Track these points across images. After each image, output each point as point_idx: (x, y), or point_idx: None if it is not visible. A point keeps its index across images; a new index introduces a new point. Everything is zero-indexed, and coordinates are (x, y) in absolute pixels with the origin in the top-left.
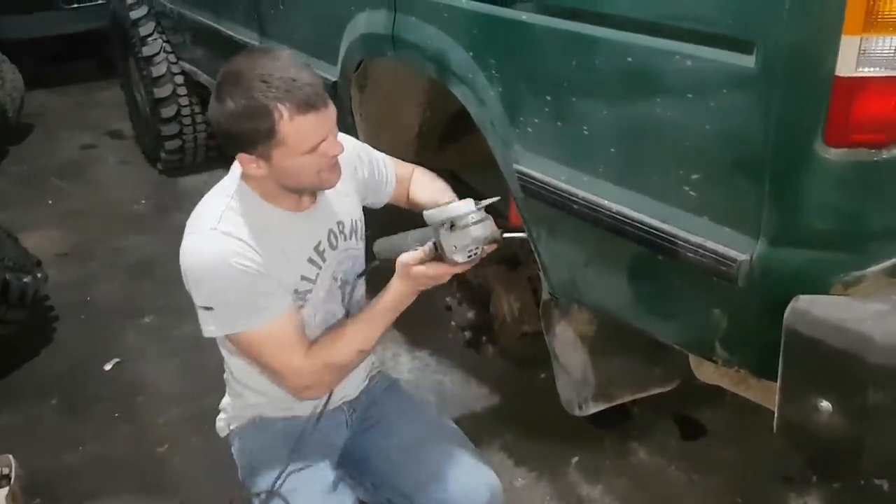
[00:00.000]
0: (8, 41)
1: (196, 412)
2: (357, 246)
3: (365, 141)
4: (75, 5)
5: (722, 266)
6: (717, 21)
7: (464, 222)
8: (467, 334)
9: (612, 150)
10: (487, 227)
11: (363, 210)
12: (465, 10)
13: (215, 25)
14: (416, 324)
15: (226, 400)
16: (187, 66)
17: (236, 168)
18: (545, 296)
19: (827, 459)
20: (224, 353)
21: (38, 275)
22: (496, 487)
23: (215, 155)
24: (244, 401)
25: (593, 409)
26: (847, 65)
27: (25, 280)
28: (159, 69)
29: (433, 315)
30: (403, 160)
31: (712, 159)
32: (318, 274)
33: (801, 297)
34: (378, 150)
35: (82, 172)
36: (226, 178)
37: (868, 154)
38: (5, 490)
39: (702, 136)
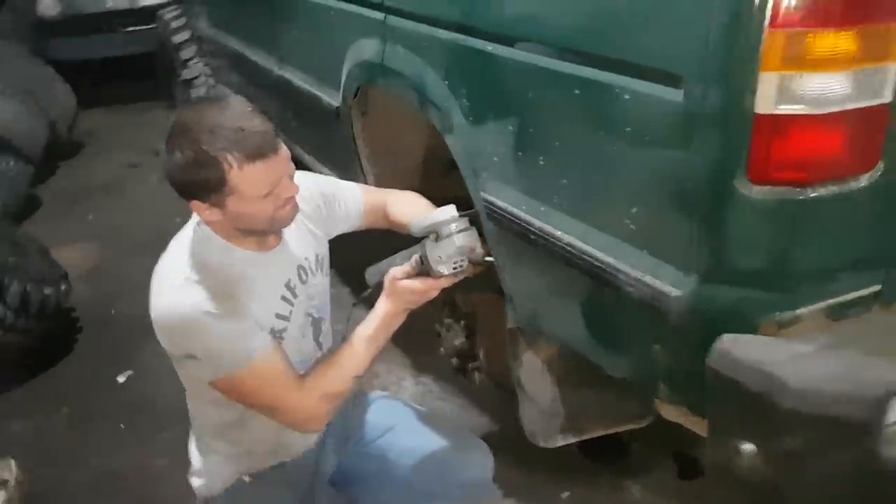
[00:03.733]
0: (64, 62)
1: None
2: (323, 281)
3: (367, 167)
4: (129, 28)
5: (657, 302)
6: (650, 54)
7: (447, 231)
8: (454, 361)
9: (564, 181)
10: (471, 237)
11: (330, 244)
12: (442, 39)
13: (244, 52)
14: (422, 350)
15: (196, 464)
16: (224, 91)
17: (195, 217)
18: (510, 324)
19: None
20: (197, 408)
21: (62, 287)
22: (486, 449)
23: None
24: (222, 457)
25: (560, 441)
26: (766, 101)
27: (47, 292)
28: (198, 92)
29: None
30: (407, 187)
31: (649, 193)
32: (291, 311)
33: (725, 336)
34: (381, 176)
35: (124, 190)
36: (185, 227)
37: (792, 192)
38: (2, 497)
39: (640, 170)
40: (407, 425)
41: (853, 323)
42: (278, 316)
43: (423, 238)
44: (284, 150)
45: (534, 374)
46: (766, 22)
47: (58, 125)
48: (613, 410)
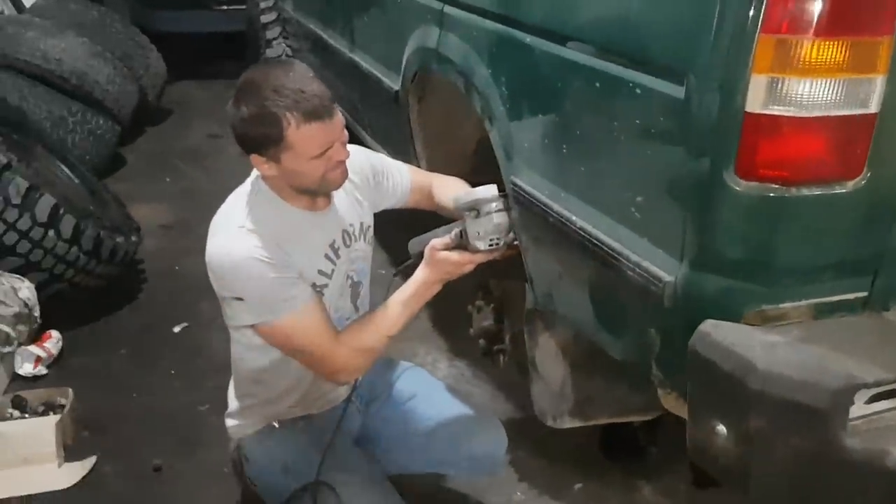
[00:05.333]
0: (160, 33)
1: None
2: (365, 248)
3: (421, 151)
4: (224, 7)
5: (652, 286)
6: (660, 51)
7: (487, 209)
8: (481, 342)
9: (581, 168)
10: (508, 217)
11: (375, 216)
12: (487, 29)
13: (321, 35)
14: (458, 335)
15: (233, 406)
16: None
17: (254, 173)
18: (529, 304)
19: (731, 483)
20: (238, 352)
21: (133, 238)
22: (501, 428)
23: None
24: (256, 402)
25: (568, 423)
26: (756, 101)
27: (119, 240)
28: None
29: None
30: (458, 173)
31: (651, 183)
32: (333, 270)
33: (708, 321)
34: (433, 160)
35: (203, 158)
36: (245, 182)
37: (777, 190)
38: (57, 417)
39: (645, 161)
40: (429, 395)
41: (834, 322)
42: (320, 272)
43: (464, 214)
44: (339, 117)
45: (548, 356)
46: (759, 27)
47: (148, 92)
48: (622, 400)
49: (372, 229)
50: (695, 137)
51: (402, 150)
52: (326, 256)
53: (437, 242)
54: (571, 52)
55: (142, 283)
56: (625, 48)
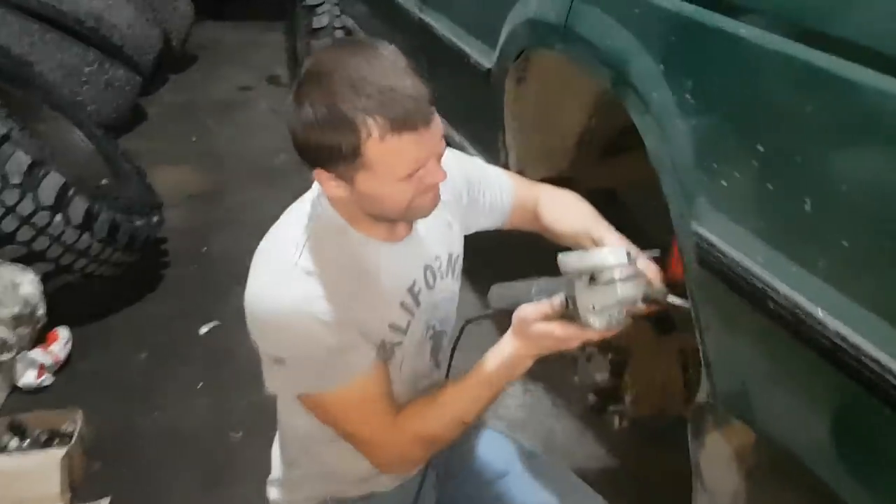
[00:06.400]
0: None
1: None
2: (453, 286)
3: (511, 142)
4: None
5: None
6: None
7: (608, 276)
8: (591, 398)
9: (845, 242)
10: (639, 288)
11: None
12: (666, 9)
13: None
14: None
15: (276, 473)
16: (350, 22)
17: (315, 187)
18: (701, 397)
19: None
20: (284, 412)
21: (154, 218)
22: None
23: None
24: (305, 474)
25: None
26: None
27: (137, 223)
28: (321, 20)
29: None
30: (553, 171)
31: None
32: (409, 322)
33: None
34: (525, 154)
35: (232, 114)
36: (301, 199)
37: None
38: (62, 450)
39: None
40: (521, 474)
41: None
42: (393, 327)
43: (572, 278)
44: (438, 124)
45: (717, 462)
46: None
47: (172, 36)
48: None
49: (461, 260)
50: None
51: (485, 138)
52: (403, 306)
53: (529, 312)
54: (843, 64)
55: (164, 268)
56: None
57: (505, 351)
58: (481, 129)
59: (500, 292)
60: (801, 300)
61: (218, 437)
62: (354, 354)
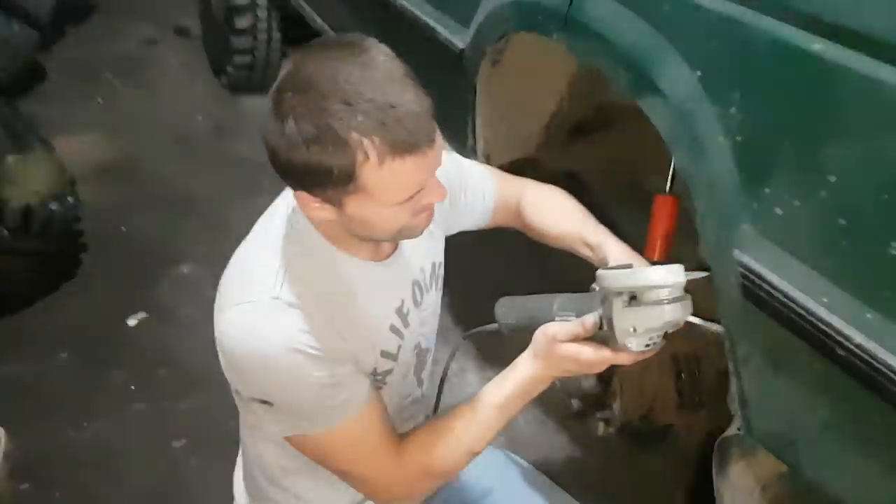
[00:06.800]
0: None
1: (227, 404)
2: (436, 299)
3: (483, 126)
4: None
5: None
6: None
7: (654, 297)
8: (576, 403)
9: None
10: (686, 310)
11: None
12: (707, 9)
13: None
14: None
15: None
16: None
17: (287, 198)
18: (732, 429)
19: None
20: (250, 438)
21: (70, 200)
22: None
23: None
24: None
25: None
26: None
27: (53, 207)
28: None
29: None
30: (520, 155)
31: None
32: (400, 346)
33: None
34: (494, 140)
35: (140, 71)
36: (272, 212)
37: None
38: None
39: None
40: (508, 490)
41: None
42: (384, 354)
43: (610, 295)
44: (440, 140)
45: (741, 494)
46: None
47: None
48: None
49: (443, 268)
50: None
51: (453, 124)
52: (393, 329)
53: (559, 331)
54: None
55: (79, 252)
56: None
57: (524, 373)
58: (451, 116)
59: (509, 306)
60: (869, 345)
61: (158, 448)
62: (349, 389)
